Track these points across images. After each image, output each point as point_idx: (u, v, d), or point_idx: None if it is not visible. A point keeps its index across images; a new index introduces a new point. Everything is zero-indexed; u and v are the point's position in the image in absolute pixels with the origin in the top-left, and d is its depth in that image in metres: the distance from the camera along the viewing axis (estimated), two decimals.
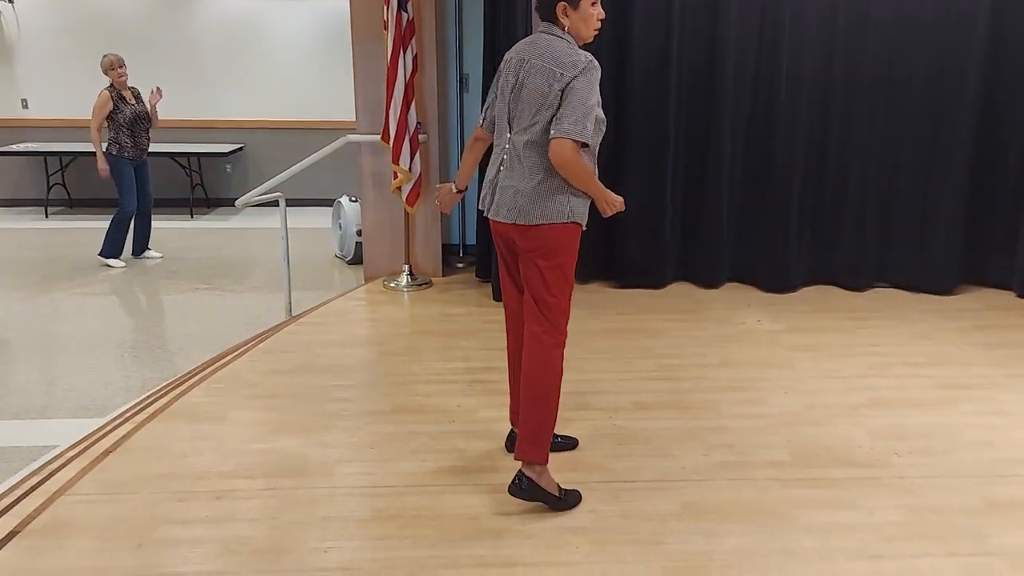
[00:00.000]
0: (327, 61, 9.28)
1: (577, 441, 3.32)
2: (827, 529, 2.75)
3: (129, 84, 6.83)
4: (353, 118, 5.63)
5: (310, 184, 8.15)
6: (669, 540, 2.69)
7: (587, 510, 2.86)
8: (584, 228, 2.82)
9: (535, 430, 2.78)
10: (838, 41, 5.13)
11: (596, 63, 2.70)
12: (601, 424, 3.50)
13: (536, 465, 2.78)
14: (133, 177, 6.89)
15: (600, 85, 2.70)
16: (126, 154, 6.80)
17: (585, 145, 2.66)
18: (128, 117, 6.73)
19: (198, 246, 7.81)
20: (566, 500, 2.85)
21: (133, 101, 6.80)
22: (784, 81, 5.15)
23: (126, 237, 7.03)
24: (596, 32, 2.79)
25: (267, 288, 6.27)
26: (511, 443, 3.14)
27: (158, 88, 6.89)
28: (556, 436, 3.08)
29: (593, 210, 2.82)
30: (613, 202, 2.82)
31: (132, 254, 7.17)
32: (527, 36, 4.94)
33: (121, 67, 6.68)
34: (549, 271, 2.75)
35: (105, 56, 6.69)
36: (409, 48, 5.17)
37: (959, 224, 5.31)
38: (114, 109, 6.68)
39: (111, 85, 6.72)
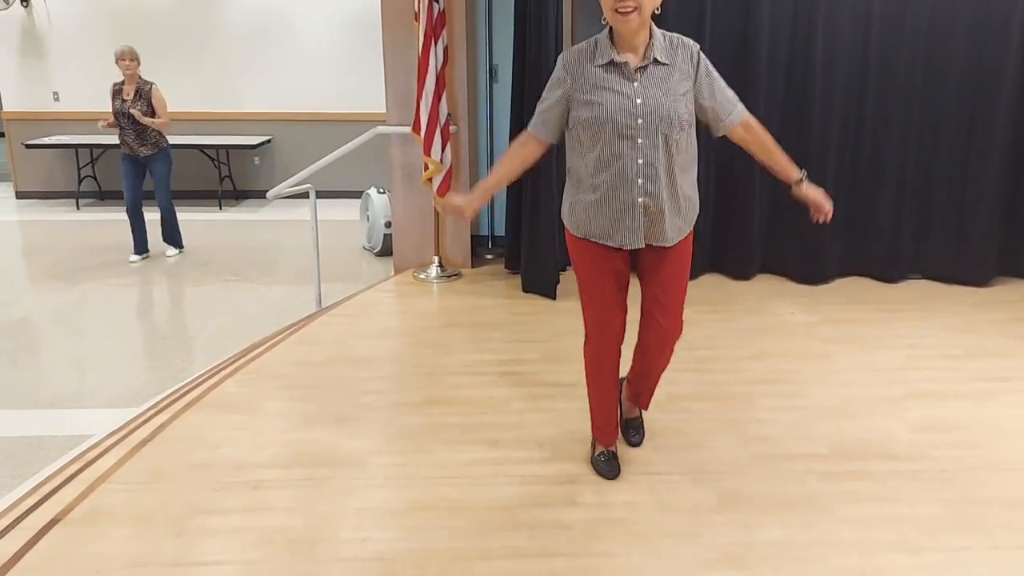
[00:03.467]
0: (355, 53, 9.28)
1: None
2: (867, 522, 2.73)
3: (147, 79, 6.70)
4: (380, 110, 5.63)
5: (338, 176, 8.14)
6: (706, 532, 2.67)
7: (623, 502, 2.85)
8: (590, 240, 2.76)
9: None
10: (874, 28, 5.05)
11: (563, 57, 2.69)
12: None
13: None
14: (126, 171, 6.79)
15: None
16: (121, 148, 6.79)
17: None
18: (113, 111, 6.65)
19: (227, 238, 7.86)
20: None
21: (128, 97, 6.60)
22: (819, 69, 5.09)
23: (137, 231, 6.94)
24: (621, 14, 2.49)
25: (296, 280, 6.30)
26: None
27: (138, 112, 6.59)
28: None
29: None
30: (457, 204, 2.78)
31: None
32: (557, 26, 4.98)
33: (124, 60, 6.53)
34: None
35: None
36: (440, 39, 5.16)
37: (995, 215, 5.23)
38: (112, 103, 6.65)
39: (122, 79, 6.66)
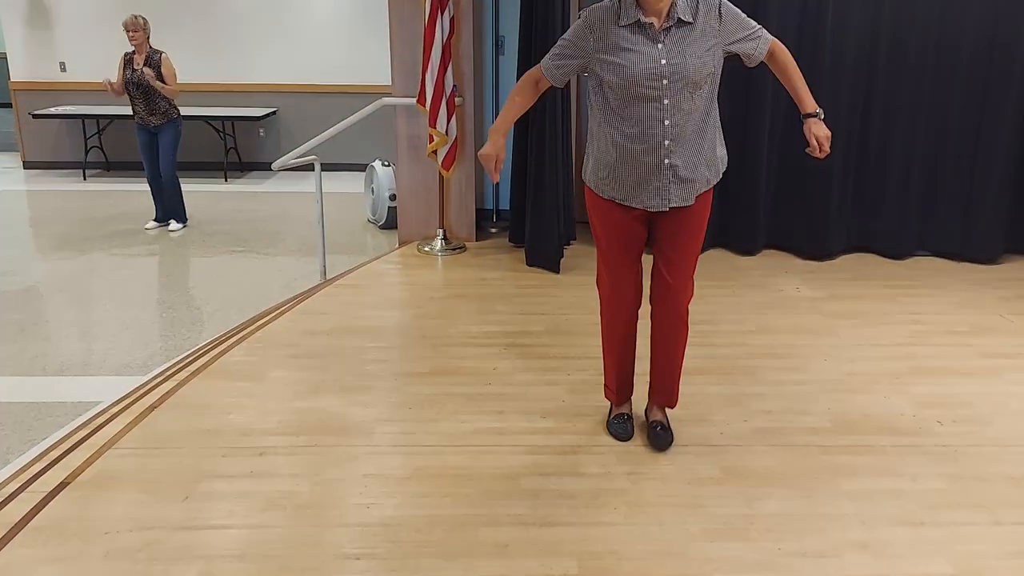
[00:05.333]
0: (361, 24, 9.23)
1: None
2: (869, 495, 2.74)
3: (157, 48, 6.67)
4: (385, 82, 5.60)
5: (343, 148, 8.15)
6: (709, 503, 2.69)
7: (625, 473, 2.86)
8: (612, 201, 2.79)
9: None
10: (884, 6, 5.01)
11: (590, 14, 2.67)
12: (639, 389, 3.48)
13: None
14: (141, 142, 6.83)
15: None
16: (134, 119, 6.80)
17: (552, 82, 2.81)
18: (124, 81, 6.63)
19: (232, 209, 7.85)
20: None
21: (138, 66, 6.58)
22: (828, 43, 5.05)
23: (158, 198, 7.01)
24: None
25: (300, 251, 6.30)
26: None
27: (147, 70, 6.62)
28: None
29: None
30: (486, 153, 2.78)
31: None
32: None
33: (132, 30, 6.50)
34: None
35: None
36: (446, 10, 5.13)
37: (1004, 193, 5.21)
38: (122, 74, 6.63)
39: (132, 50, 6.64)
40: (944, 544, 2.50)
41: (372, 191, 7.17)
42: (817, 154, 2.77)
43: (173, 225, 7.00)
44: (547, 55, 2.79)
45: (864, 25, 5.07)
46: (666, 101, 2.60)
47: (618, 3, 2.64)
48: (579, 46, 2.69)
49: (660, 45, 2.59)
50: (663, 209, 2.74)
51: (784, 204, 5.41)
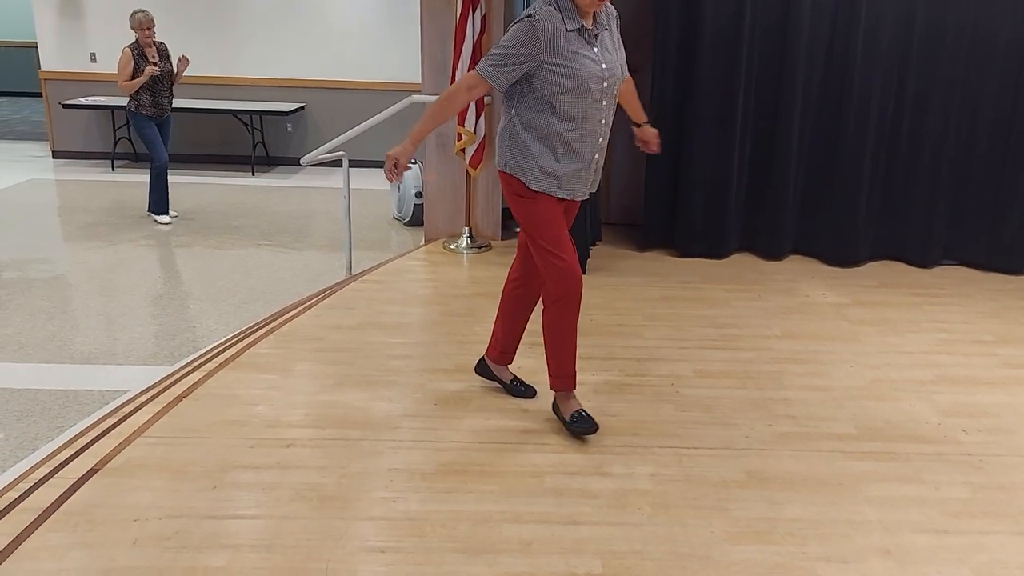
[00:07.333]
0: (392, 21, 9.26)
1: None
2: (892, 502, 2.74)
3: (157, 40, 6.75)
4: (415, 79, 5.63)
5: (369, 145, 8.15)
6: (732, 506, 2.70)
7: (649, 474, 2.87)
8: (546, 194, 2.90)
9: None
10: (918, 10, 4.99)
11: (538, 21, 2.67)
12: (663, 391, 3.50)
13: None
14: (156, 133, 6.87)
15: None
16: (144, 111, 6.77)
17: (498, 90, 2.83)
18: (158, 76, 6.70)
19: (259, 203, 7.92)
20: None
21: (155, 59, 6.67)
22: (859, 49, 5.02)
23: (164, 191, 7.02)
24: (599, 1, 2.70)
25: (326, 246, 6.35)
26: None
27: (185, 57, 6.88)
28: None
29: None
30: (393, 154, 3.01)
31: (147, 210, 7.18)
32: None
33: (150, 27, 6.57)
34: (515, 214, 2.99)
35: (134, 14, 6.56)
36: (478, 8, 5.15)
37: None
38: (135, 67, 6.62)
39: (135, 42, 6.63)
40: (966, 552, 2.49)
41: (398, 188, 7.21)
42: (649, 148, 3.28)
43: (168, 216, 7.10)
44: (485, 63, 2.77)
45: (894, 33, 5.03)
46: (604, 102, 2.83)
47: (557, 9, 2.71)
48: (531, 53, 2.70)
49: (596, 49, 2.79)
50: (586, 197, 3.02)
51: (811, 209, 5.39)
